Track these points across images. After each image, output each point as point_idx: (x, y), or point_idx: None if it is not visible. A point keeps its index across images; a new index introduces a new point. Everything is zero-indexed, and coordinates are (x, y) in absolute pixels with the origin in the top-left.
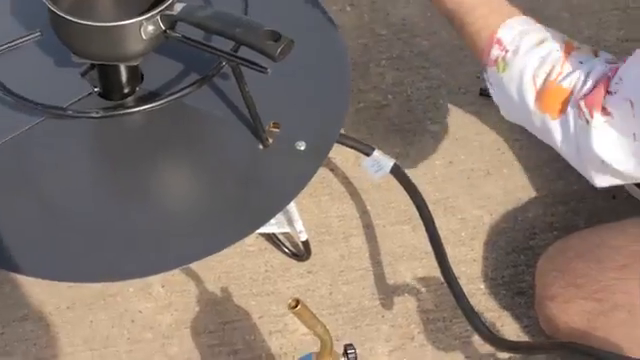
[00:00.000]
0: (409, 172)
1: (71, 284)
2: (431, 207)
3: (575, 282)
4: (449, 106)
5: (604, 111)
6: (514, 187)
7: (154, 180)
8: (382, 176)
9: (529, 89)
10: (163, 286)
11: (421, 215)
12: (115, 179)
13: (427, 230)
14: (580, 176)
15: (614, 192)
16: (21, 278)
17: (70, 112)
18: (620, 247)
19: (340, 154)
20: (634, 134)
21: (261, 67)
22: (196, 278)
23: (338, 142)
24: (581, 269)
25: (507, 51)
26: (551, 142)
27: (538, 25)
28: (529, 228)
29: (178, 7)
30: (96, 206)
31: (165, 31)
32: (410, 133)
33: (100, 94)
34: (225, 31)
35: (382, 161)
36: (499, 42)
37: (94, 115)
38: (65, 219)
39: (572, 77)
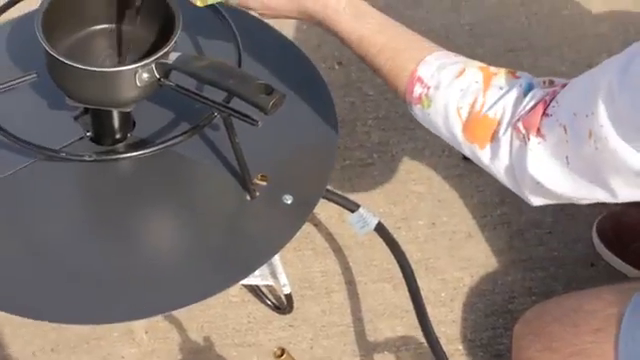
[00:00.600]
0: (392, 231)
1: (55, 326)
2: (412, 267)
3: (551, 345)
4: (433, 168)
5: (539, 133)
6: (495, 250)
7: (141, 226)
8: (366, 232)
9: (455, 122)
10: (147, 332)
11: (403, 273)
12: (103, 223)
13: (409, 289)
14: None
15: (592, 260)
16: (6, 317)
17: (63, 154)
18: (595, 311)
19: (324, 210)
20: (566, 157)
21: (252, 120)
22: (179, 326)
23: (324, 197)
24: (557, 333)
25: (429, 87)
26: (484, 167)
27: (453, 56)
28: (508, 292)
29: (173, 56)
30: (83, 249)
31: (159, 79)
32: (394, 193)
33: (92, 139)
34: (219, 82)
35: (367, 218)
36: (420, 80)
37: (86, 159)
38: (52, 260)
39: (497, 107)
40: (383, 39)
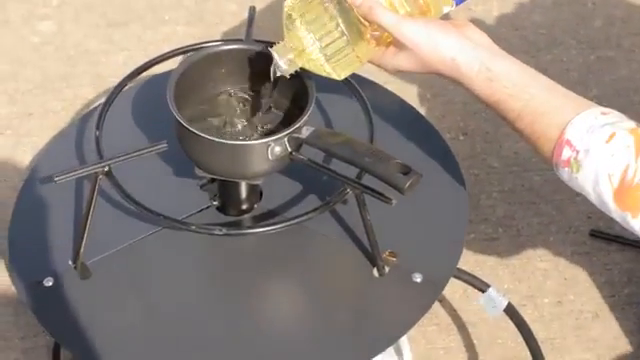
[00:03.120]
0: (517, 308)
1: None
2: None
3: None
4: (559, 244)
5: None
6: (623, 331)
7: (266, 300)
8: (496, 314)
9: (606, 189)
10: None
11: (532, 354)
12: (227, 296)
13: None
14: None
15: None
16: None
17: (193, 227)
18: None
19: (449, 285)
20: None
21: (386, 198)
22: None
23: (454, 276)
24: None
25: (578, 151)
26: (636, 235)
27: (600, 116)
28: None
29: (306, 130)
30: (205, 321)
31: (291, 153)
32: (519, 269)
33: (218, 208)
34: (354, 160)
35: (497, 299)
36: (568, 143)
37: (216, 233)
38: (173, 330)
39: None
40: (520, 104)
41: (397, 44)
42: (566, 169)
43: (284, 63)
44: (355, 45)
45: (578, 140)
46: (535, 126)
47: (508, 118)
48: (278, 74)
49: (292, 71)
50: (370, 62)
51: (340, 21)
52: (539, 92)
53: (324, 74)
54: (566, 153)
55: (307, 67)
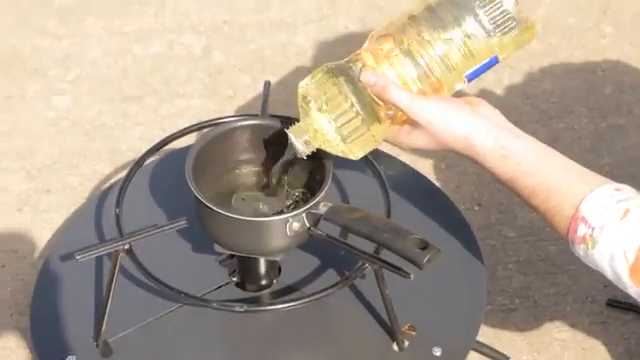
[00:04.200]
0: None
1: None
2: None
3: None
4: (576, 314)
5: None
6: None
7: None
8: None
9: (621, 265)
10: None
11: None
12: None
13: None
14: None
15: None
16: None
17: (214, 305)
18: None
19: (468, 358)
20: None
21: (405, 272)
22: None
23: (473, 349)
24: None
25: (593, 228)
26: None
27: (614, 192)
28: None
29: (323, 206)
30: None
31: (309, 228)
32: (537, 340)
33: (237, 284)
34: (372, 236)
35: None
36: (584, 220)
37: (237, 309)
38: None
39: None
40: (534, 181)
41: (411, 122)
42: (582, 246)
43: (301, 144)
44: (370, 124)
45: (593, 217)
46: (550, 203)
47: (523, 195)
48: (296, 155)
49: (309, 152)
50: (385, 140)
51: (354, 101)
52: (553, 169)
53: (340, 154)
54: (581, 230)
55: (323, 147)
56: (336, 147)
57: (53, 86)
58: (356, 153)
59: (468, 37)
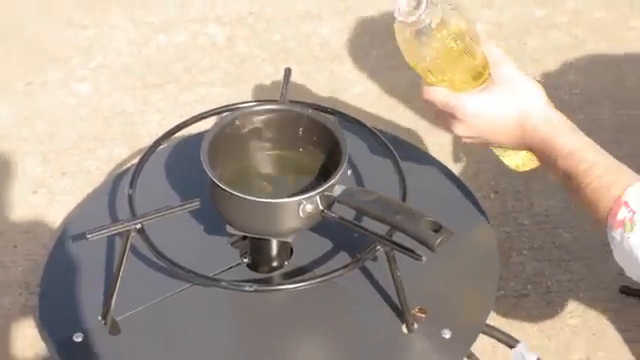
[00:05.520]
0: None
1: None
2: None
3: None
4: (589, 301)
5: None
6: None
7: (295, 358)
8: None
9: None
10: None
11: None
12: (254, 352)
13: None
14: None
15: None
16: None
17: (224, 284)
18: None
19: (477, 341)
20: None
21: (416, 255)
22: None
23: (483, 332)
24: None
25: (634, 212)
26: None
27: None
28: None
29: (338, 189)
30: None
31: (323, 211)
32: (548, 326)
33: (248, 265)
34: (385, 218)
35: (526, 355)
36: (626, 204)
37: (246, 289)
38: None
39: None
40: (594, 156)
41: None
42: (619, 230)
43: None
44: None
45: (636, 202)
46: (603, 180)
47: (577, 170)
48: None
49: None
50: None
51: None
52: (610, 156)
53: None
54: (622, 214)
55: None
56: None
57: (75, 73)
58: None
59: None
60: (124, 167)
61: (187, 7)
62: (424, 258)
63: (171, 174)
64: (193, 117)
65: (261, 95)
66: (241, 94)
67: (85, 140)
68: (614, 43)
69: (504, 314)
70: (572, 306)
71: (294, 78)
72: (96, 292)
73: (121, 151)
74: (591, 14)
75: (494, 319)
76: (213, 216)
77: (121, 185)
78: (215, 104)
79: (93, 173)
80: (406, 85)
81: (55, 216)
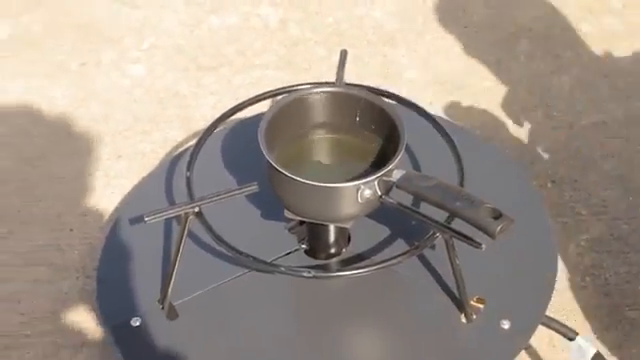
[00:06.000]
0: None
1: None
2: None
3: None
4: None
5: None
6: None
7: (352, 344)
8: None
9: None
10: None
11: None
12: (312, 338)
13: None
14: None
15: None
16: None
17: (282, 269)
18: None
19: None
20: None
21: (476, 243)
22: None
23: (542, 324)
24: None
25: None
26: None
27: None
28: None
29: (397, 174)
30: None
31: (381, 196)
32: (607, 318)
33: (306, 251)
34: (444, 204)
35: (585, 347)
36: None
37: (305, 275)
38: None
39: None
40: None
41: None
42: None
43: None
44: None
45: None
46: None
47: None
48: None
49: None
50: None
51: None
52: None
53: None
54: None
55: None
56: None
57: (128, 54)
58: None
59: None
60: (179, 150)
61: None
62: (484, 246)
63: (228, 157)
64: (248, 99)
65: (315, 78)
66: (295, 77)
67: (140, 122)
68: None
69: (562, 306)
70: (631, 298)
71: (347, 60)
72: (154, 277)
73: (176, 134)
74: None
75: (552, 311)
76: (271, 200)
77: (177, 168)
78: (269, 87)
79: (148, 156)
80: (461, 71)
81: (111, 199)
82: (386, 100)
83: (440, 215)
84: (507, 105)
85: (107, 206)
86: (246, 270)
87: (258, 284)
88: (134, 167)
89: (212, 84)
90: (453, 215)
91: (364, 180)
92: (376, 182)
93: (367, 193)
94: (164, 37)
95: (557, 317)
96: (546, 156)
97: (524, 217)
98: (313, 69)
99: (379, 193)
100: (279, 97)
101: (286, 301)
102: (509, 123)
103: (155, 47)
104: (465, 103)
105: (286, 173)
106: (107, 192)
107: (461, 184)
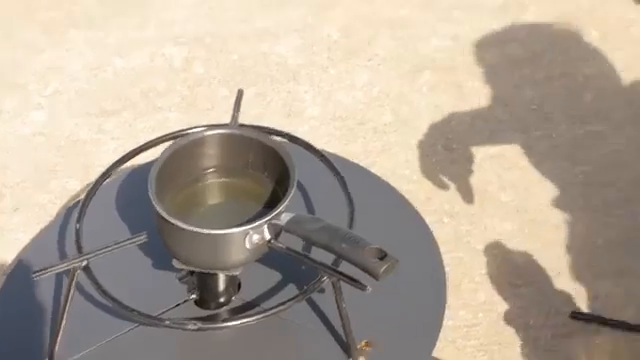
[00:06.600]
0: None
1: None
2: None
3: None
4: (539, 328)
5: None
6: None
7: None
8: None
9: None
10: None
11: None
12: None
13: None
14: None
15: None
16: None
17: (167, 323)
18: None
19: None
20: None
21: (361, 285)
22: None
23: None
24: None
25: None
26: None
27: None
28: None
29: (285, 217)
30: None
31: (269, 240)
32: (499, 354)
33: (196, 301)
34: (331, 246)
35: None
36: None
37: (190, 327)
38: None
39: None
40: None
41: None
42: None
43: None
44: None
45: None
46: None
47: None
48: None
49: None
50: None
51: None
52: None
53: None
54: None
55: None
56: None
57: (31, 100)
58: None
59: None
60: (77, 199)
61: (144, 27)
62: (369, 288)
63: (122, 206)
64: (134, 149)
65: (216, 119)
66: (196, 118)
67: (39, 172)
68: (571, 55)
69: (454, 345)
70: (523, 333)
71: (250, 99)
72: (44, 334)
73: (75, 183)
74: (547, 27)
75: (440, 351)
76: (162, 250)
77: (71, 220)
78: (170, 130)
79: (46, 207)
80: (363, 106)
81: (6, 254)
82: (279, 140)
83: (329, 258)
84: (406, 140)
85: (2, 262)
86: (135, 324)
87: (148, 338)
88: (31, 220)
89: (114, 129)
90: (339, 257)
91: (251, 225)
92: (265, 226)
93: (256, 238)
94: (67, 81)
95: (448, 357)
96: (443, 191)
97: (414, 255)
98: (215, 109)
99: (268, 237)
100: (171, 142)
101: (177, 354)
102: (408, 158)
103: (58, 92)
104: (365, 139)
105: (170, 220)
106: (2, 247)
107: (350, 225)
